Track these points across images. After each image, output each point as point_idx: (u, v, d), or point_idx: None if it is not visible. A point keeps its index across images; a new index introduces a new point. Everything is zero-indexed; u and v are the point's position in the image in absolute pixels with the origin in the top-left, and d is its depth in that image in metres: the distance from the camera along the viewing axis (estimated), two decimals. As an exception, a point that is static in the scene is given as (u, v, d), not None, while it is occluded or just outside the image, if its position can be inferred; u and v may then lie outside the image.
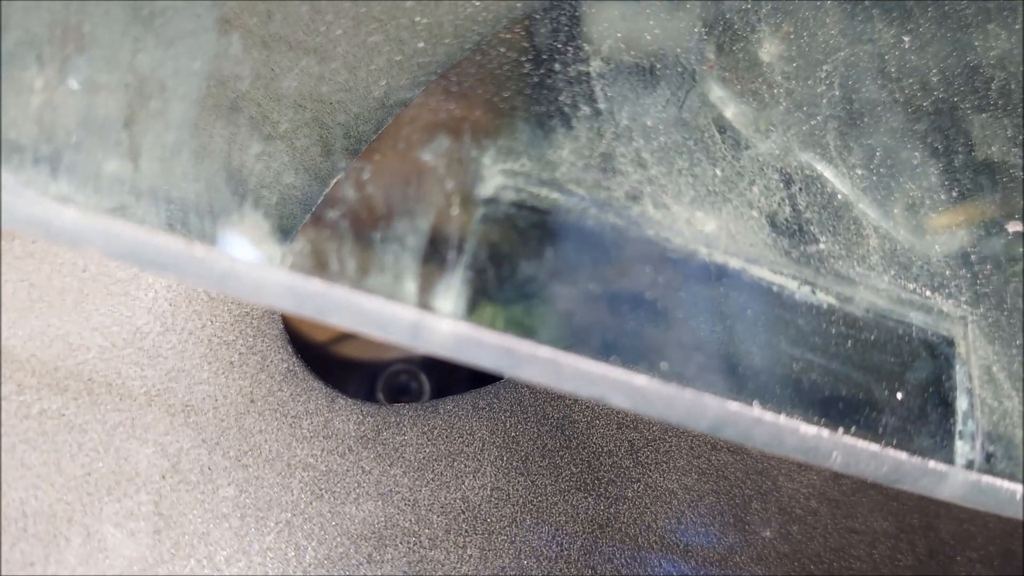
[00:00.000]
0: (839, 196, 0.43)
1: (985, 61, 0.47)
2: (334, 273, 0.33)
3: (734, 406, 0.33)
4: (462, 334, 0.33)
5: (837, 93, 0.45)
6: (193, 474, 0.44)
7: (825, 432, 0.34)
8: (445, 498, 0.48)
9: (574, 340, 0.34)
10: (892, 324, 0.41)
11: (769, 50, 0.45)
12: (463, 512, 0.49)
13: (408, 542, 0.48)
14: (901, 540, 0.62)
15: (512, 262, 0.35)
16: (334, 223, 0.35)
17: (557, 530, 0.55)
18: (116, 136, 0.34)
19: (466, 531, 0.50)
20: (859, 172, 0.44)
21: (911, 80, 0.46)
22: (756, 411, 0.33)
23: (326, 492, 0.46)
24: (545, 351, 0.33)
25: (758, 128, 0.44)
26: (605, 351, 0.34)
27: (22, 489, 0.42)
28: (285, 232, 0.35)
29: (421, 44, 0.41)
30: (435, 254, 0.35)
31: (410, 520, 0.48)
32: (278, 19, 0.37)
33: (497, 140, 0.39)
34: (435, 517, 0.48)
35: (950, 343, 0.41)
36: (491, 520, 0.51)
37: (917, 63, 0.47)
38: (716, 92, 0.45)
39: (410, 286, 0.34)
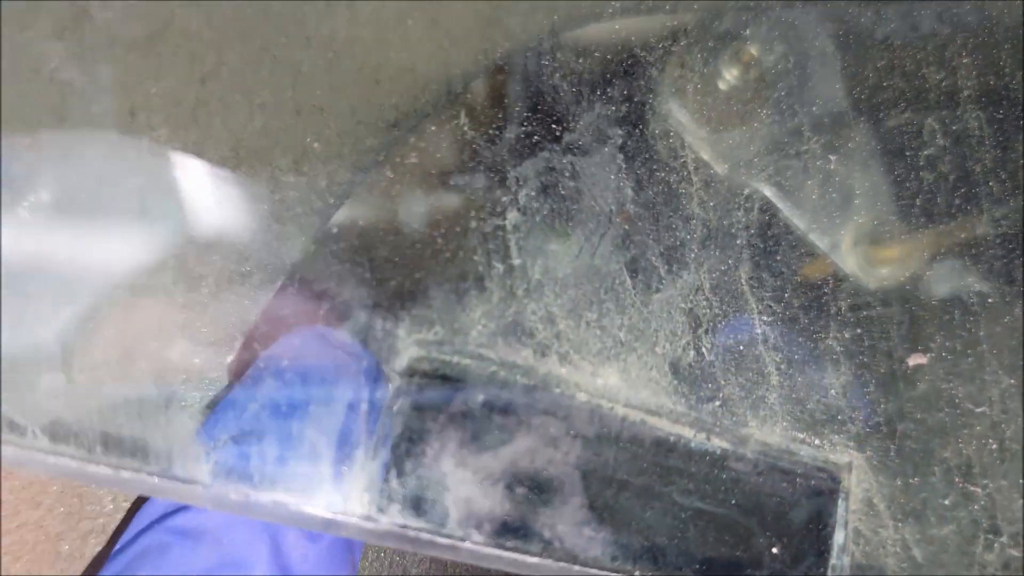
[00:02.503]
0: (745, 333, 0.45)
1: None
2: (255, 475, 0.37)
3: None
4: (375, 530, 0.37)
5: (754, 221, 0.46)
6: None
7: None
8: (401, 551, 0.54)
9: (473, 527, 0.38)
10: (783, 463, 0.44)
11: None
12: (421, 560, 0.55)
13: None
14: None
15: (420, 447, 0.39)
16: (246, 436, 0.38)
17: None
18: (49, 349, 0.37)
19: None
20: (771, 305, 0.46)
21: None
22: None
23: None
24: (444, 540, 0.37)
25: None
26: (500, 533, 0.38)
27: (6, 593, 0.48)
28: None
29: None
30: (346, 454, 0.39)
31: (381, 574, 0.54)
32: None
33: (411, 310, 0.41)
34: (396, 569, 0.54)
35: (836, 478, 0.45)
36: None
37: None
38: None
39: (326, 486, 0.37)
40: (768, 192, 0.48)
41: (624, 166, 0.45)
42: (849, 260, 0.49)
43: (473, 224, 0.43)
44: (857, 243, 0.49)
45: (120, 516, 0.51)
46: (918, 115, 0.51)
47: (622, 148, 0.45)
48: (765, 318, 0.45)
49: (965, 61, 0.50)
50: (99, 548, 0.50)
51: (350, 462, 0.38)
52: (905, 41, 0.52)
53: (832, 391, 0.46)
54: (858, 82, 0.50)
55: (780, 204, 0.49)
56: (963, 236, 0.52)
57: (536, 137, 0.44)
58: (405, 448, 0.38)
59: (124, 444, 0.37)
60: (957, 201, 0.49)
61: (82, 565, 0.49)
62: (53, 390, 0.36)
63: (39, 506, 0.48)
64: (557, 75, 0.45)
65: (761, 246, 0.46)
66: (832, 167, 0.49)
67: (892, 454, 0.45)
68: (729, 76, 0.48)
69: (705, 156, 0.48)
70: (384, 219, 0.42)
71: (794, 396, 0.45)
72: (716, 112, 0.48)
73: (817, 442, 0.45)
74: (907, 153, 0.50)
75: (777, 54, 0.49)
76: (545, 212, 0.44)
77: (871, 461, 0.45)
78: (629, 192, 0.45)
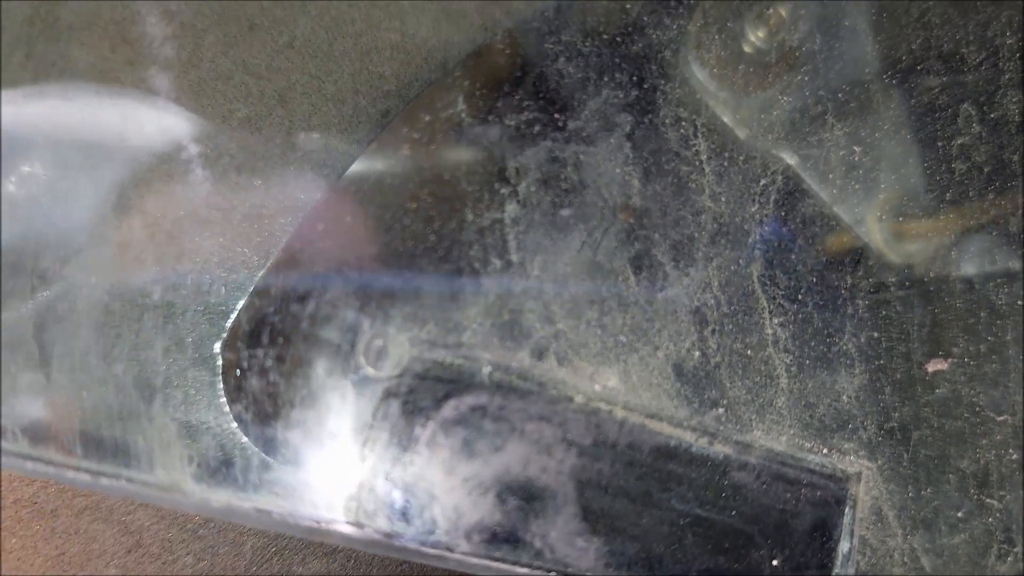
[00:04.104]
0: (755, 333, 0.43)
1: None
2: (238, 479, 0.36)
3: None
4: (361, 538, 0.36)
5: (768, 212, 0.44)
6: (154, 547, 0.50)
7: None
8: (384, 557, 0.53)
9: (462, 536, 0.37)
10: (788, 471, 0.42)
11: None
12: (399, 563, 0.54)
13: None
14: None
15: (409, 452, 0.37)
16: (240, 419, 0.37)
17: None
18: (28, 347, 0.36)
19: None
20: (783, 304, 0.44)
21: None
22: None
23: (275, 555, 0.52)
24: (431, 549, 0.36)
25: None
26: (490, 543, 0.37)
27: (4, 571, 0.48)
28: (192, 431, 0.37)
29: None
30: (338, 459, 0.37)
31: (352, 574, 0.53)
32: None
33: (403, 307, 0.39)
34: (374, 570, 0.54)
35: (844, 487, 0.43)
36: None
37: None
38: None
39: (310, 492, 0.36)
40: (791, 161, 0.46)
41: (632, 155, 0.42)
42: (875, 234, 0.46)
43: (470, 217, 0.41)
44: (884, 217, 0.46)
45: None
46: (953, 97, 0.48)
47: (630, 136, 0.43)
48: (777, 318, 0.43)
49: (1009, 42, 0.46)
50: (94, 524, 0.50)
51: (337, 466, 0.37)
52: (944, 19, 0.49)
53: (845, 395, 0.44)
54: (891, 56, 0.47)
55: (803, 174, 0.46)
56: (994, 214, 0.49)
57: (538, 125, 0.42)
58: (394, 452, 0.37)
59: (105, 446, 0.36)
60: (992, 187, 0.46)
61: (78, 541, 0.49)
62: (32, 389, 0.36)
63: (33, 483, 0.48)
64: (562, 57, 0.42)
65: (776, 241, 0.44)
66: (860, 138, 0.46)
67: (905, 462, 0.43)
68: (754, 38, 0.45)
69: (726, 120, 0.45)
70: (374, 211, 0.40)
71: (804, 400, 0.43)
72: (739, 74, 0.45)
73: (826, 450, 0.43)
74: (939, 143, 0.47)
75: (807, 18, 0.46)
76: (546, 205, 0.41)
77: (882, 469, 0.43)
78: (636, 184, 0.42)
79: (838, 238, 0.45)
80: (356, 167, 0.41)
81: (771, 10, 0.45)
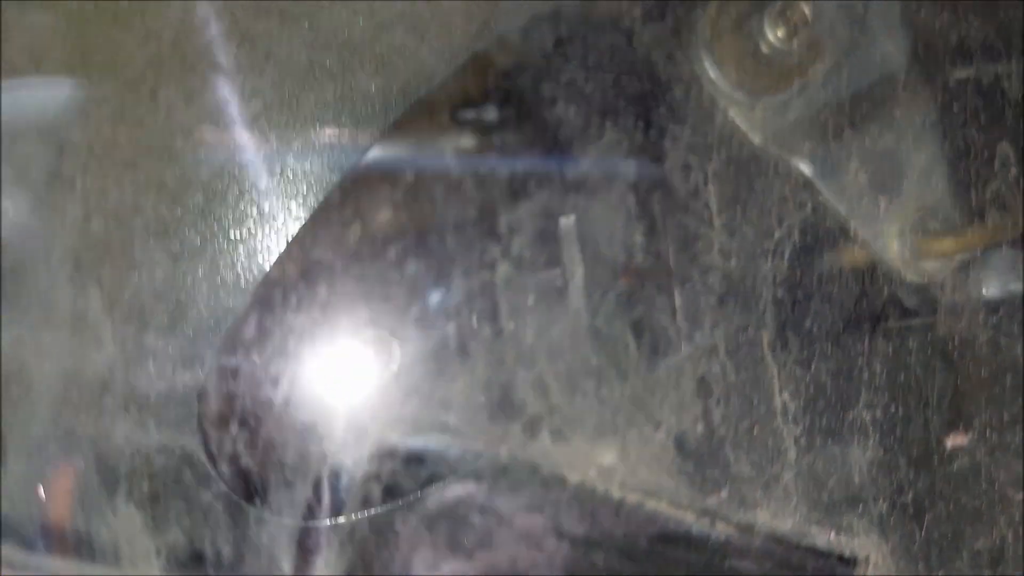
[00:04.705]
0: (763, 404, 0.40)
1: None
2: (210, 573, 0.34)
3: None
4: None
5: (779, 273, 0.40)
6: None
7: None
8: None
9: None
10: (794, 553, 0.40)
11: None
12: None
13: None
14: None
15: (386, 547, 0.35)
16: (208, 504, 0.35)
17: None
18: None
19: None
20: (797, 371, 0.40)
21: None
22: None
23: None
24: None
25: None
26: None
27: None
28: (158, 522, 0.35)
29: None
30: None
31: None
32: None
33: (381, 384, 0.36)
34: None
35: (853, 568, 0.40)
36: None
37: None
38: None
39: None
40: (807, 170, 0.42)
41: (635, 209, 0.39)
42: (893, 250, 0.43)
43: (457, 280, 0.37)
44: (904, 232, 0.43)
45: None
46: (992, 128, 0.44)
47: (634, 187, 0.39)
48: (788, 387, 0.40)
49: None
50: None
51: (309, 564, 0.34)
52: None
53: (857, 469, 0.41)
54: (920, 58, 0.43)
55: (820, 184, 0.43)
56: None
57: (533, 174, 0.38)
58: (370, 548, 0.35)
59: (67, 539, 0.34)
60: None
61: None
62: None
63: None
64: (560, 95, 0.38)
65: (789, 301, 0.40)
66: (882, 148, 0.43)
67: (918, 540, 0.41)
68: (773, 37, 0.41)
69: (740, 124, 0.42)
70: (350, 272, 0.37)
71: (813, 475, 0.40)
72: (755, 75, 0.41)
73: (835, 529, 0.40)
74: (972, 165, 0.44)
75: (832, 19, 0.42)
76: (542, 264, 0.38)
77: (894, 549, 0.41)
78: (639, 239, 0.39)
79: (858, 295, 0.42)
80: (319, 214, 0.37)
81: (793, 8, 0.41)
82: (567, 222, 0.38)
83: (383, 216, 0.38)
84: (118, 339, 0.34)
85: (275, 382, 0.35)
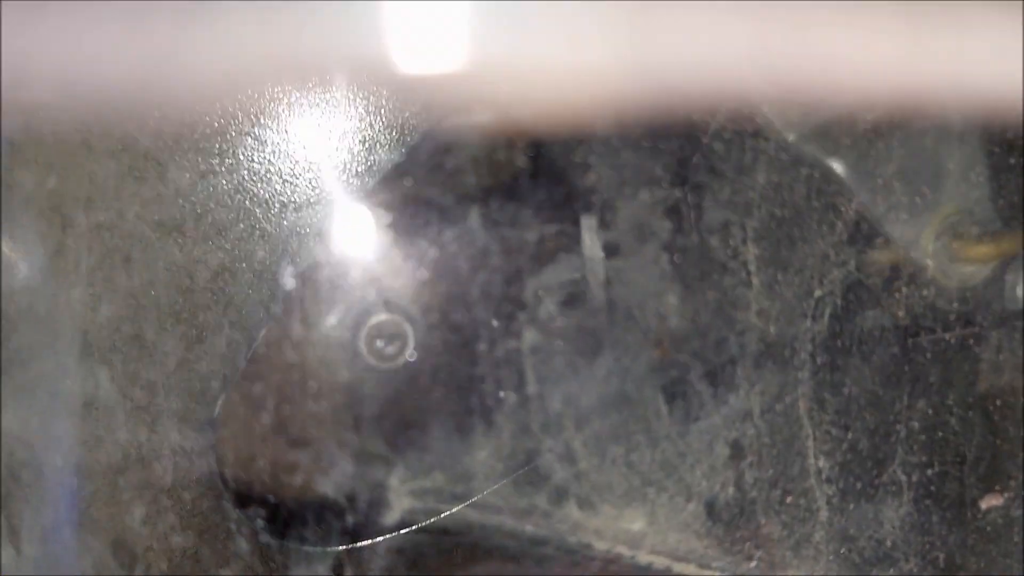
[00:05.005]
0: (796, 465, 0.39)
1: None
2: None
3: None
4: None
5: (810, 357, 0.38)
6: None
7: None
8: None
9: None
10: (820, 612, 0.39)
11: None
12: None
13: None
14: None
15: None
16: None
17: None
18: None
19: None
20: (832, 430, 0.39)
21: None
22: None
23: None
24: None
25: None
26: None
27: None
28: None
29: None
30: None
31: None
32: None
33: (406, 454, 0.35)
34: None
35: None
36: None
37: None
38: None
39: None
40: (840, 168, 0.40)
41: (669, 269, 0.37)
42: (928, 253, 0.41)
43: (482, 347, 0.36)
44: (940, 235, 0.41)
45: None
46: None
47: (668, 247, 0.37)
48: (823, 447, 0.39)
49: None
50: None
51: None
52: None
53: (888, 526, 0.40)
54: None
55: (852, 184, 0.41)
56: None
57: (563, 237, 0.36)
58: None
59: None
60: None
61: None
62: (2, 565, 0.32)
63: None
64: (592, 153, 0.36)
65: (828, 361, 0.39)
66: (917, 146, 0.41)
67: (947, 596, 0.41)
68: None
69: (774, 121, 0.40)
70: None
71: (844, 533, 0.40)
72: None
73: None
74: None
75: None
76: (570, 330, 0.36)
77: (922, 605, 0.40)
78: (673, 302, 0.37)
79: (899, 353, 0.40)
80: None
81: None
82: (596, 282, 0.36)
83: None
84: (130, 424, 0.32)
85: (294, 446, 0.34)
